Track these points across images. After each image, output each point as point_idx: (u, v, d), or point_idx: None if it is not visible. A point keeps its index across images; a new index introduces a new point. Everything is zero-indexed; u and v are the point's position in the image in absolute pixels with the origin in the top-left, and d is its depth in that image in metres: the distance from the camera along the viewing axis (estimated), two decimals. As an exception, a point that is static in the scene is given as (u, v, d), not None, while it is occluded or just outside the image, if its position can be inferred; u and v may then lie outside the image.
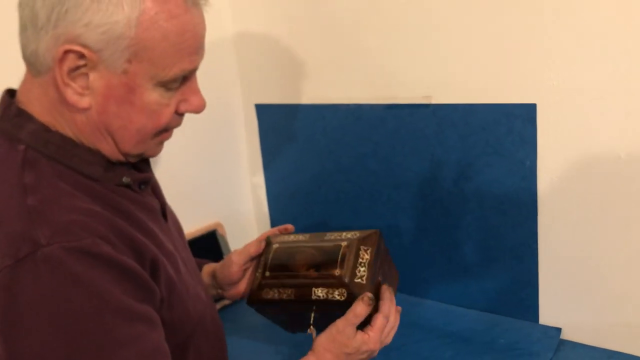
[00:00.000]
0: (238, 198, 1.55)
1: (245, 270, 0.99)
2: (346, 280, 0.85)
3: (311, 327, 0.88)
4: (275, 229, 1.01)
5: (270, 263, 0.95)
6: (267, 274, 0.93)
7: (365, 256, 0.88)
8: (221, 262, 1.02)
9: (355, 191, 1.34)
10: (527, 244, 1.11)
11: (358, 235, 0.91)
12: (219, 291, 1.02)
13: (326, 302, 0.86)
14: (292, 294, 0.89)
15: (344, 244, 0.89)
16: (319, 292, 0.87)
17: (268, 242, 0.98)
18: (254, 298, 0.94)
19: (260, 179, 1.53)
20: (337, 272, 0.86)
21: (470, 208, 1.16)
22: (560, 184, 1.04)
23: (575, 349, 1.09)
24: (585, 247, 1.06)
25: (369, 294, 0.83)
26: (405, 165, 1.24)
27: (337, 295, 0.85)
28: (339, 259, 0.88)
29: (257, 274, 0.95)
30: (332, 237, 0.93)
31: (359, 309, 0.82)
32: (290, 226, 1.02)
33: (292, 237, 0.98)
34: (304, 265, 0.91)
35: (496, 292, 1.19)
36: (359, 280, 0.86)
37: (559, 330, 1.13)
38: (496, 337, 1.13)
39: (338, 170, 1.35)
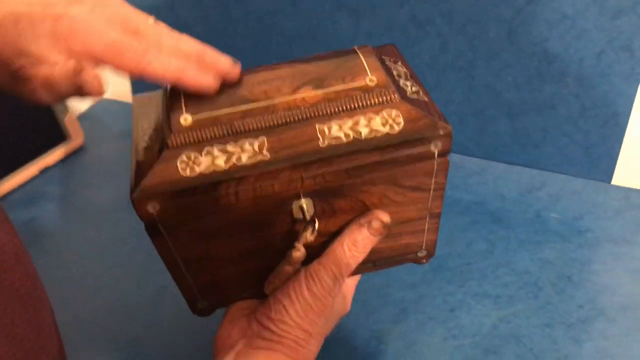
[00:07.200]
0: None
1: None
2: (396, 90, 0.41)
3: (307, 233, 0.43)
4: None
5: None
6: (186, 118, 0.40)
7: (400, 68, 0.46)
8: None
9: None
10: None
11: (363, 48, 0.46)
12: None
13: (351, 154, 0.40)
14: (264, 148, 0.39)
15: (351, 56, 0.44)
16: (335, 129, 0.39)
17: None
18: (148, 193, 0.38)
19: None
20: (370, 79, 0.41)
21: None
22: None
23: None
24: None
25: None
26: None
27: (383, 123, 0.39)
28: (363, 66, 0.42)
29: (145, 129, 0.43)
30: (313, 60, 0.45)
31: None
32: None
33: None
34: (279, 85, 0.42)
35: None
36: (414, 94, 0.43)
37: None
38: (544, 206, 0.80)
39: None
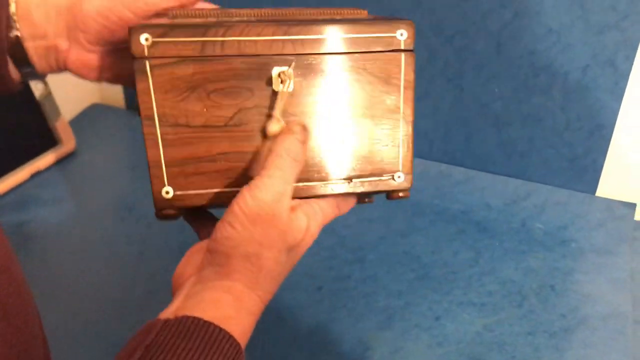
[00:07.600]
0: None
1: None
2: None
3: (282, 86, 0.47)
4: None
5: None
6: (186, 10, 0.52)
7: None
8: None
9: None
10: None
11: None
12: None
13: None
14: (252, 16, 0.49)
15: None
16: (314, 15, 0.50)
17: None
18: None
19: None
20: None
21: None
22: None
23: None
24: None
25: None
26: None
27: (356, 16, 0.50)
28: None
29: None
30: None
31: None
32: None
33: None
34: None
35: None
36: None
37: (632, 206, 0.83)
38: (529, 216, 0.83)
39: None
